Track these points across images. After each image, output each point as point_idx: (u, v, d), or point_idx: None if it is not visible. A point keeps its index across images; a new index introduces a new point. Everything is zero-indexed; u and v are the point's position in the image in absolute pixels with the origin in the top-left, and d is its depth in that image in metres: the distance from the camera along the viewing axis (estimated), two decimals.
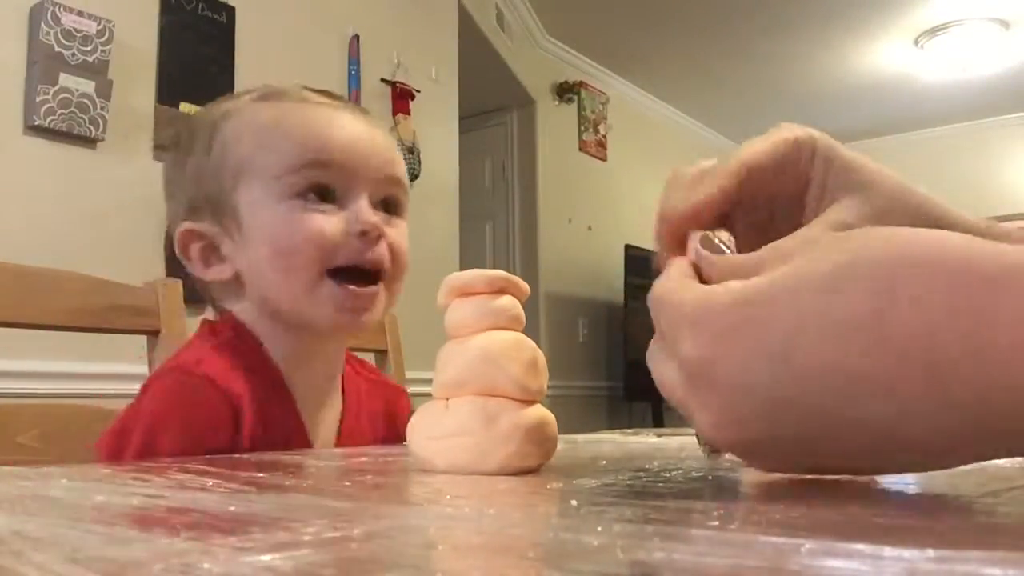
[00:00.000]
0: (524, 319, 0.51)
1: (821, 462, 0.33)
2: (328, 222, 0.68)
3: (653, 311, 0.35)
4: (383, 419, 0.82)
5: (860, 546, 0.21)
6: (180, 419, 0.65)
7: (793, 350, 0.29)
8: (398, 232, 0.73)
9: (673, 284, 0.35)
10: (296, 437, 0.70)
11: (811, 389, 0.29)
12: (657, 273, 0.37)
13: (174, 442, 0.63)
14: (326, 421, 0.75)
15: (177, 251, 0.72)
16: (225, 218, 0.70)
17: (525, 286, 0.52)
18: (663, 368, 0.35)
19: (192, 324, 0.79)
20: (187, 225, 0.71)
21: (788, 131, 0.40)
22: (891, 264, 0.28)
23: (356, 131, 0.72)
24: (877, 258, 0.29)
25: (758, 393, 0.30)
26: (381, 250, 0.70)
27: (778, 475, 0.43)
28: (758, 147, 0.39)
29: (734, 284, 0.32)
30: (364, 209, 0.69)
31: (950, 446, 0.29)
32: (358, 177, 0.70)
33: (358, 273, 0.69)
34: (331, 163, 0.69)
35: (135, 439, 0.63)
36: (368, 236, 0.68)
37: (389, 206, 0.73)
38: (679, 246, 0.38)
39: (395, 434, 0.81)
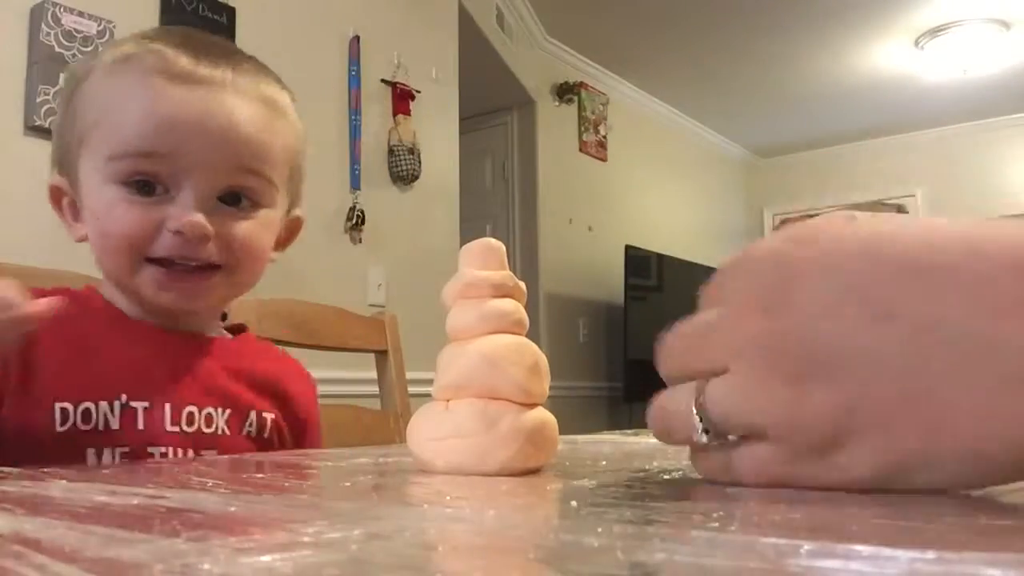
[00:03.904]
0: (527, 323, 0.51)
1: (843, 385, 0.29)
2: (141, 218, 0.65)
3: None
4: (260, 389, 0.76)
5: (860, 547, 0.21)
6: None
7: (888, 238, 0.28)
8: (245, 225, 0.68)
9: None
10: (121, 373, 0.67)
11: (897, 280, 0.28)
12: None
13: None
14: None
15: (50, 202, 0.72)
16: (73, 182, 0.70)
17: (522, 287, 0.52)
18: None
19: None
20: (55, 180, 0.72)
21: None
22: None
23: (197, 116, 0.65)
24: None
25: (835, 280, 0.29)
26: (206, 249, 0.66)
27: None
28: None
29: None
30: (184, 208, 0.65)
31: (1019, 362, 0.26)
32: (189, 170, 0.65)
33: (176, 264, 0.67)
34: (155, 153, 0.64)
35: None
36: (184, 236, 0.65)
37: (239, 197, 0.68)
38: None
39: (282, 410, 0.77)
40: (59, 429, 0.63)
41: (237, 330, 0.81)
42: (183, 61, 0.66)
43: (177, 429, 0.68)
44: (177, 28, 0.73)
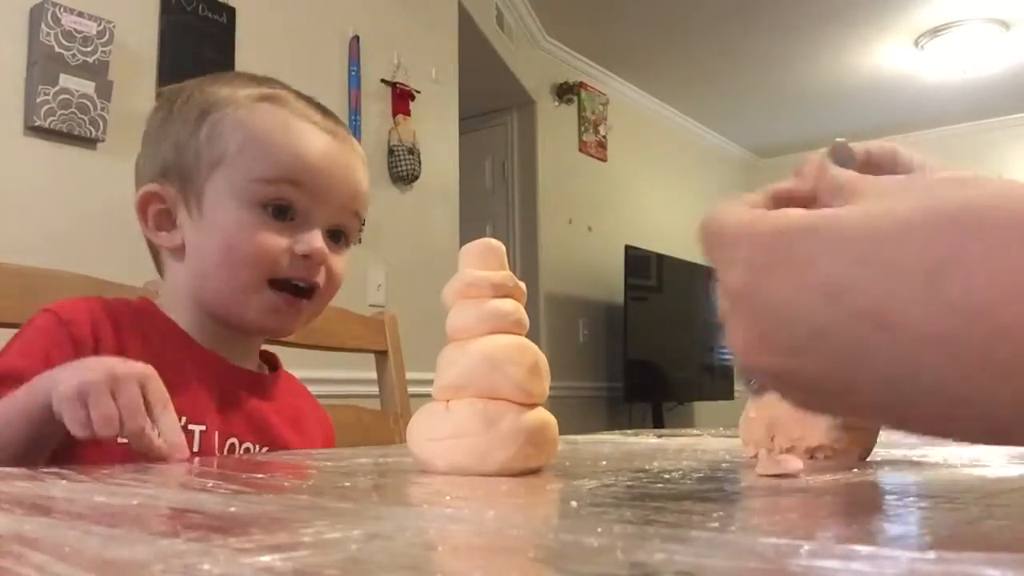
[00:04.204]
0: (527, 323, 0.51)
1: (855, 402, 0.31)
2: (277, 240, 0.72)
3: (707, 239, 0.35)
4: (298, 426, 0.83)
5: (860, 547, 0.21)
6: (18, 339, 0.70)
7: (848, 287, 0.28)
8: (340, 259, 0.78)
9: (732, 207, 0.34)
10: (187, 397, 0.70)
11: (859, 330, 0.28)
12: None
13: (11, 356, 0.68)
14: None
15: (135, 206, 0.76)
16: (190, 195, 0.74)
17: (522, 287, 0.52)
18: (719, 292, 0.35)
19: None
20: (152, 187, 0.75)
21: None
22: (968, 216, 0.27)
23: (334, 159, 0.75)
24: (954, 208, 0.27)
25: (801, 324, 0.30)
26: (319, 274, 0.75)
27: (778, 477, 0.43)
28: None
29: (796, 211, 0.31)
30: (314, 235, 0.73)
31: (1004, 417, 0.27)
32: (320, 203, 0.74)
33: (293, 285, 0.74)
34: (301, 184, 0.73)
35: None
36: (310, 260, 0.73)
37: (340, 235, 0.78)
38: None
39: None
40: (121, 441, 0.64)
41: (270, 361, 0.86)
42: (313, 111, 0.76)
43: (221, 455, 0.72)
44: (264, 77, 0.81)
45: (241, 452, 0.74)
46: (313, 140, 0.74)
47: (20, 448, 0.59)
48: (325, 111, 0.79)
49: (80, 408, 0.55)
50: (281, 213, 0.72)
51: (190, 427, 0.70)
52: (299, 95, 0.78)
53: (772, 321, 0.31)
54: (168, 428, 0.58)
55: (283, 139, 0.73)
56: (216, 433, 0.72)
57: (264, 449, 0.76)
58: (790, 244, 0.30)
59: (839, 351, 0.29)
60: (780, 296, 0.30)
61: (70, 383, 0.56)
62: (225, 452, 0.72)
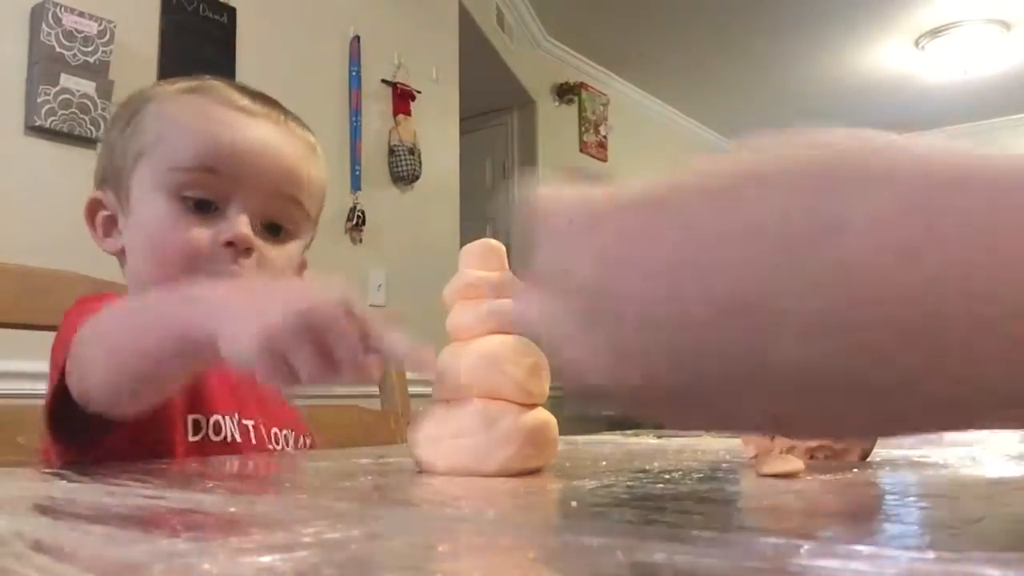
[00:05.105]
0: None
1: (742, 412, 0.25)
2: (201, 232, 0.67)
3: (541, 227, 0.28)
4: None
5: (860, 547, 0.21)
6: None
7: (682, 265, 0.23)
8: (280, 252, 0.71)
9: (553, 190, 0.27)
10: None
11: (727, 323, 0.22)
12: None
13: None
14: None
15: (84, 215, 0.76)
16: (121, 195, 0.73)
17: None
18: (533, 307, 0.27)
19: None
20: (95, 194, 0.75)
21: None
22: (814, 162, 0.22)
23: (256, 142, 0.70)
24: (800, 157, 0.23)
25: (665, 327, 0.24)
26: (249, 263, 0.68)
27: (778, 477, 0.43)
28: None
29: (632, 182, 0.25)
30: (238, 221, 0.68)
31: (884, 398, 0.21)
32: (243, 189, 0.69)
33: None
34: (218, 170, 0.68)
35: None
36: (235, 247, 0.67)
37: (278, 226, 0.72)
38: None
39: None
40: (191, 439, 0.66)
41: None
42: (239, 96, 0.73)
43: (274, 447, 0.73)
44: (220, 78, 0.79)
45: (283, 439, 0.74)
46: (233, 124, 0.71)
47: (175, 373, 0.55)
48: (259, 97, 0.75)
49: (274, 355, 0.44)
50: (203, 207, 0.68)
51: (244, 421, 0.70)
52: (231, 84, 0.75)
53: (631, 326, 0.24)
54: (399, 344, 0.46)
55: (198, 125, 0.70)
56: (261, 426, 0.72)
57: (294, 433, 0.76)
58: (647, 221, 0.24)
59: (705, 352, 0.23)
60: (637, 292, 0.24)
61: (255, 330, 0.44)
62: (272, 440, 0.73)
